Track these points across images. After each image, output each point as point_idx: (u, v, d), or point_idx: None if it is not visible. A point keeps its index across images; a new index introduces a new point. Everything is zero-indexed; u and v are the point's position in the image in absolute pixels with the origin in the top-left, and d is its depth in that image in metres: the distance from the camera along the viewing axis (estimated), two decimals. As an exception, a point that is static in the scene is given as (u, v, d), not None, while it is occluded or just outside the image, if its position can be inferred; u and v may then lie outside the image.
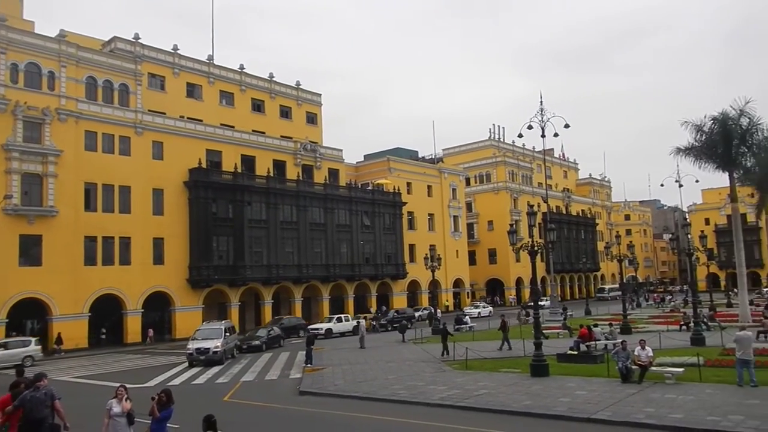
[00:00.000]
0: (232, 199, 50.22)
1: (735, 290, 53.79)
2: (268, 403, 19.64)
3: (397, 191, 65.45)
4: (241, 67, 59.91)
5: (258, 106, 61.28)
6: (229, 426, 16.83)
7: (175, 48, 54.29)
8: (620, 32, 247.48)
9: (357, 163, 72.97)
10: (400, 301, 65.28)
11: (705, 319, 35.81)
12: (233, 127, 54.91)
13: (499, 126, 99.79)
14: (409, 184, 69.46)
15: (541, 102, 49.88)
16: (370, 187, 64.23)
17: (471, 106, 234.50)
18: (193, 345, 31.26)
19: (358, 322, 39.69)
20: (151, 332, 44.65)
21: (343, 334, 45.46)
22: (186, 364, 30.93)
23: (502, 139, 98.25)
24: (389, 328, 47.67)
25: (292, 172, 56.53)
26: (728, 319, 39.99)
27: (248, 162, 53.70)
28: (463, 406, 17.20)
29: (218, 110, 56.94)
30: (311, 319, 55.10)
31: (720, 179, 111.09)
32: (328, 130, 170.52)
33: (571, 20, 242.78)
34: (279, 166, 56.14)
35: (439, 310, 55.02)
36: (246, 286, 51.26)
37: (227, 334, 33.24)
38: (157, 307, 46.89)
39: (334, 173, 61.47)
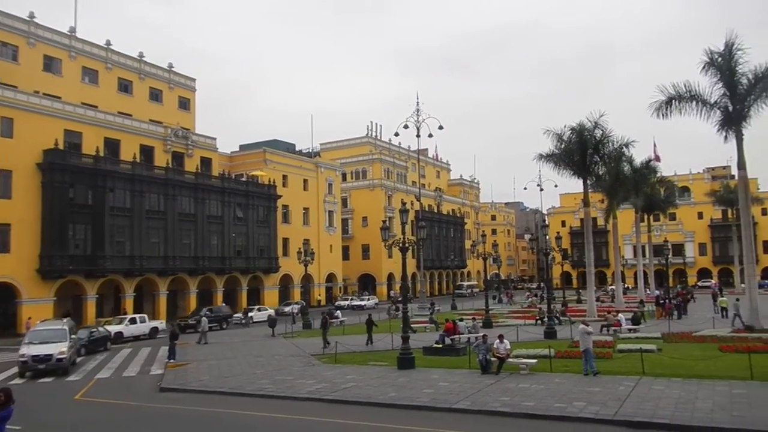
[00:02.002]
0: (92, 185, 46.75)
1: (585, 287, 58.40)
2: (126, 401, 18.56)
3: (272, 184, 64.34)
4: (108, 43, 56.02)
5: (125, 87, 57.61)
6: (82, 426, 15.73)
7: (32, 15, 49.61)
8: (494, 41, 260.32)
9: (231, 153, 70.87)
10: (271, 294, 64.32)
11: (557, 314, 38.53)
12: (96, 107, 51.10)
13: (376, 123, 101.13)
14: (284, 177, 68.55)
15: (418, 103, 51.42)
16: (244, 179, 62.59)
17: (350, 101, 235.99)
18: (28, 351, 24.15)
19: (200, 318, 37.79)
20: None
21: (137, 338, 38.62)
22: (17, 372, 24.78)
23: (379, 137, 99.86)
24: (198, 330, 38.03)
25: (161, 159, 53.68)
26: (578, 314, 43.32)
27: (112, 146, 50.24)
28: (330, 399, 17.28)
29: (80, 88, 52.81)
30: (177, 313, 52.80)
31: (576, 185, 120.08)
32: (202, 117, 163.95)
33: (450, 26, 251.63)
34: (147, 151, 53.07)
35: (336, 307, 54.91)
36: (105, 278, 47.97)
37: (72, 335, 26.89)
38: (0, 299, 42.69)
39: (206, 162, 59.18)
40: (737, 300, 35.02)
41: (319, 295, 71.82)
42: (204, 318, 36.98)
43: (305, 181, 72.13)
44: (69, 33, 52.50)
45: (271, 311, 49.21)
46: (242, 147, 75.90)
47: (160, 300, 52.40)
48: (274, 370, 22.89)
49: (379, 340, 29.43)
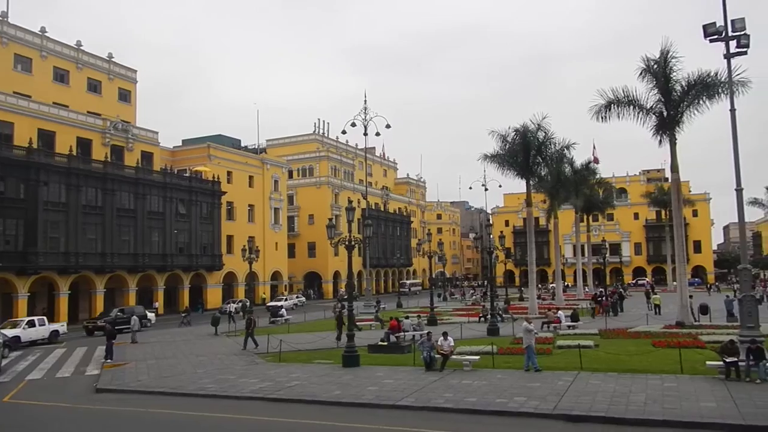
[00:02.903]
0: (24, 178, 44.73)
1: (527, 285, 59.72)
2: (59, 403, 17.87)
3: (216, 180, 63.09)
4: (43, 30, 53.70)
5: (61, 77, 55.37)
6: (9, 429, 15.03)
7: (-41, 0, 47.09)
8: (445, 42, 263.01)
9: (174, 147, 69.12)
10: (214, 293, 63.13)
11: (500, 312, 39.26)
12: (30, 96, 48.90)
13: (324, 121, 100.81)
14: (229, 173, 67.33)
15: (365, 101, 51.40)
16: (187, 174, 61.13)
17: (299, 98, 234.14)
18: None
19: (133, 316, 36.71)
20: None
21: (34, 343, 35.22)
22: None
23: (326, 134, 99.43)
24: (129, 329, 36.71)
25: (100, 153, 51.81)
26: (520, 311, 44.27)
27: (47, 138, 48.17)
28: (273, 398, 17.09)
29: (11, 76, 50.44)
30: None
31: (519, 185, 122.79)
32: (144, 110, 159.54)
33: (402, 24, 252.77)
34: (84, 144, 51.12)
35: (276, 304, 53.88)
36: (38, 275, 45.97)
37: None
38: None
39: (147, 157, 57.51)
40: (691, 297, 36.02)
41: (264, 293, 70.93)
42: (135, 317, 36.06)
43: (251, 177, 71.05)
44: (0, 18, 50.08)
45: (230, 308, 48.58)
46: (185, 142, 74.18)
47: (97, 298, 50.62)
48: (216, 370, 22.48)
49: (324, 338, 29.32)
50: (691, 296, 36.65)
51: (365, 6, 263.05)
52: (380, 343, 25.95)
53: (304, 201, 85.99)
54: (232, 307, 52.12)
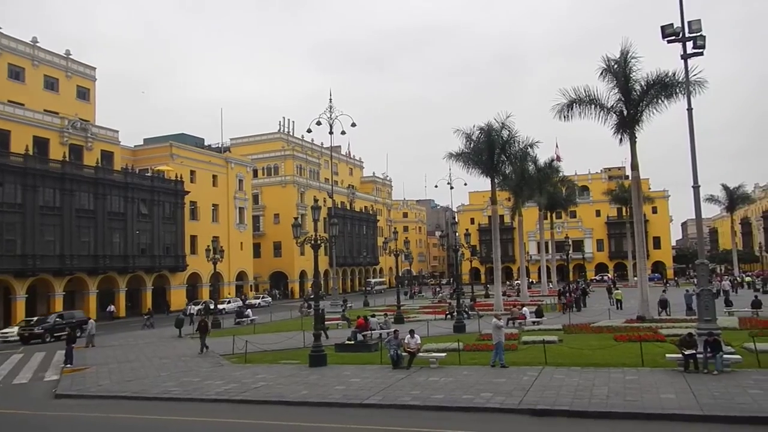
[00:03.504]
0: (-22, 178, 43.34)
1: (493, 282, 60.38)
2: (16, 410, 17.31)
3: (179, 179, 62.07)
4: (-4, 26, 52.03)
5: (16, 74, 53.76)
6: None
7: None
8: (413, 41, 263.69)
9: (135, 146, 67.70)
10: (178, 294, 62.13)
11: (466, 309, 39.58)
12: (-17, 94, 47.41)
13: (289, 119, 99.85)
14: (192, 173, 66.31)
15: (331, 99, 51.18)
16: (149, 174, 60.00)
17: (264, 96, 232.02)
18: None
19: (88, 319, 35.59)
20: None
21: None
22: None
23: (292, 133, 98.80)
24: (48, 339, 37.33)
25: (58, 152, 50.45)
26: (486, 308, 44.73)
27: (1, 137, 46.70)
28: (239, 399, 16.88)
29: (-37, 73, 48.82)
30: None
31: (485, 183, 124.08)
32: (104, 109, 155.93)
33: (369, 23, 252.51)
34: (41, 144, 49.73)
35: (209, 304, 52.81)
36: (-7, 279, 44.59)
37: None
38: None
39: (107, 156, 56.22)
40: (664, 291, 36.35)
41: (229, 293, 70.10)
42: (92, 320, 35.18)
43: (214, 176, 70.11)
44: (-49, 13, 48.38)
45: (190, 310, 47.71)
46: (147, 141, 72.75)
47: (56, 301, 49.29)
48: (180, 372, 22.11)
49: (291, 339, 29.11)
50: (664, 290, 37.54)
51: (332, 3, 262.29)
52: (347, 342, 25.90)
53: (269, 200, 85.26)
54: (194, 309, 51.02)
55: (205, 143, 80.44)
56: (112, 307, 53.59)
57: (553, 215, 74.53)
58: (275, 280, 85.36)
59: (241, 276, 74.16)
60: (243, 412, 15.56)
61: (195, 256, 63.30)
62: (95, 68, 61.22)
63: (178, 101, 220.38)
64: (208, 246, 49.69)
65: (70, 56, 58.37)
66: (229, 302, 59.88)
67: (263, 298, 69.39)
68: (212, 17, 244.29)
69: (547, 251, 72.16)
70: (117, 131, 58.04)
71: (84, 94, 59.89)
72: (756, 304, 34.40)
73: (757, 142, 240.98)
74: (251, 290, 75.45)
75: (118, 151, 58.33)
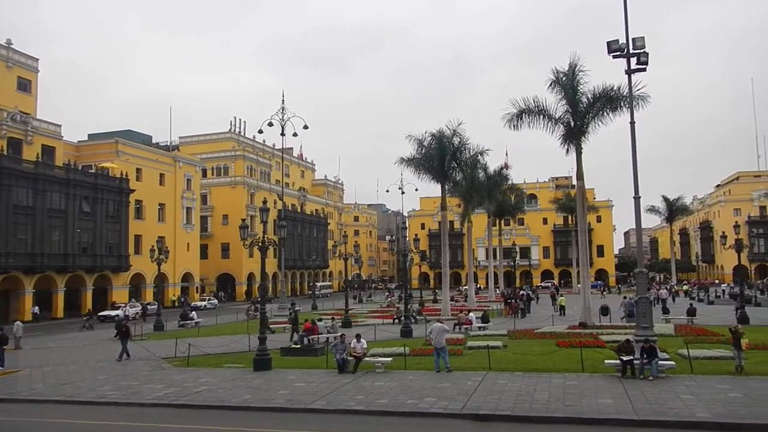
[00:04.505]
0: None
1: (441, 287, 60.92)
2: (-61, 416, 16.41)
3: (125, 177, 60.29)
4: (-69, 11, 49.50)
5: (-48, 62, 51.26)
6: None
7: None
8: (363, 41, 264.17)
9: (79, 142, 65.47)
10: (121, 295, 60.24)
11: (414, 314, 39.78)
12: None
13: (240, 119, 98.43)
14: (139, 171, 64.54)
15: (283, 101, 50.84)
16: (93, 170, 58.06)
17: (213, 95, 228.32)
18: None
19: (17, 322, 33.66)
20: None
21: None
22: None
23: (243, 133, 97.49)
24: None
25: (-6, 145, 48.31)
26: (434, 313, 45.01)
27: (-67, 127, 44.49)
28: (180, 404, 16.47)
29: None
30: (10, 315, 47.67)
31: (435, 189, 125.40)
32: (47, 102, 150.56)
33: (324, 23, 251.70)
34: (-24, 135, 47.53)
35: (127, 308, 49.30)
36: None
37: None
38: None
39: (49, 151, 54.09)
40: (625, 297, 36.66)
41: (174, 295, 68.50)
42: (18, 322, 33.66)
43: (162, 175, 68.43)
44: None
45: (120, 312, 45.96)
46: (92, 136, 70.44)
47: (-12, 301, 47.13)
48: (119, 376, 21.43)
49: (236, 342, 28.64)
50: (625, 297, 38.56)
51: (284, 2, 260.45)
52: (293, 345, 25.65)
53: (218, 201, 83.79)
54: (129, 311, 48.73)
55: (153, 141, 78.42)
56: (36, 309, 50.67)
57: (502, 222, 75.78)
58: (222, 282, 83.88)
59: (186, 277, 72.55)
60: (183, 417, 15.21)
61: (139, 256, 61.56)
62: (38, 59, 58.92)
63: (126, 97, 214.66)
64: (153, 246, 48.56)
65: (11, 46, 56.01)
66: (125, 306, 52.64)
67: (209, 300, 68.08)
68: (161, 13, 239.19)
69: (495, 257, 73.26)
70: (59, 125, 56.00)
71: (25, 85, 57.51)
72: (691, 312, 35.78)
73: (699, 154, 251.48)
74: (197, 292, 73.91)
75: (61, 146, 56.25)
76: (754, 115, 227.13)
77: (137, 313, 48.88)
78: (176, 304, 63.87)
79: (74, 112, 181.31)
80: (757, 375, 17.66)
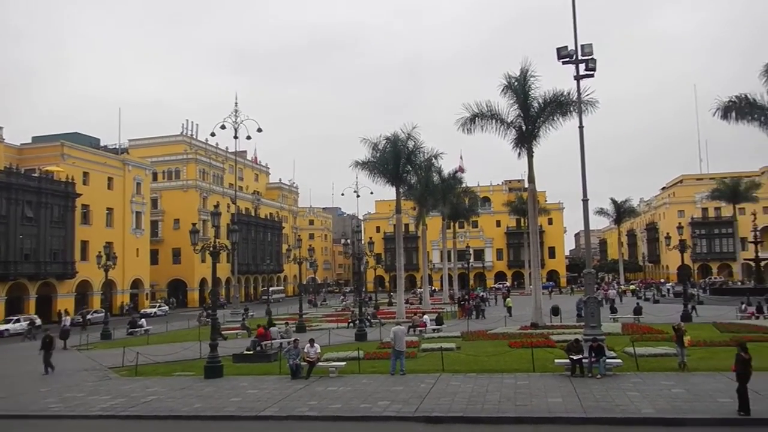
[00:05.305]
0: None
1: (396, 290, 61.06)
2: None
3: (70, 181, 58.37)
4: None
5: None
6: None
7: None
8: (318, 45, 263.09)
9: (22, 145, 63.10)
10: (66, 303, 58.21)
11: (369, 317, 39.76)
12: None
13: (192, 122, 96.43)
14: (86, 174, 62.60)
15: (236, 103, 50.07)
16: (36, 174, 55.99)
17: (165, 98, 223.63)
18: None
19: None
20: None
21: None
22: None
23: (195, 136, 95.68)
24: None
25: (-71, 148, 46.15)
26: (388, 316, 45.13)
27: None
28: (126, 415, 15.96)
29: None
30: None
31: (390, 192, 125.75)
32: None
33: (274, 28, 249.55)
34: None
35: (68, 318, 45.80)
36: None
37: None
38: None
39: (-12, 154, 52.03)
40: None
41: (123, 302, 66.61)
42: None
43: (110, 179, 66.55)
44: None
45: (66, 321, 43.94)
46: (35, 139, 68.00)
47: None
48: (63, 387, 20.64)
49: (187, 349, 28.03)
50: (549, 297, 39.27)
51: (238, 6, 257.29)
52: (246, 352, 25.26)
53: (169, 205, 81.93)
54: (66, 320, 46.12)
55: (102, 144, 76.24)
56: None
57: (456, 225, 76.52)
58: (173, 288, 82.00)
59: (136, 284, 70.69)
60: (130, 429, 14.84)
61: (86, 263, 59.64)
62: (-24, 58, 56.63)
63: (73, 100, 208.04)
64: (100, 252, 47.07)
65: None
66: (18, 321, 47.31)
67: (159, 306, 66.47)
68: (110, 13, 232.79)
69: (449, 260, 73.95)
70: (0, 128, 53.86)
71: (-38, 85, 55.19)
72: (637, 311, 36.88)
73: (647, 158, 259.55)
74: (147, 299, 72.09)
75: (1, 149, 54.16)
76: (696, 121, 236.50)
77: (64, 324, 44.46)
78: (124, 311, 62.09)
79: (15, 115, 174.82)
80: (699, 371, 18.29)
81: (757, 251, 63.79)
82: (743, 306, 37.12)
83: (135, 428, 14.86)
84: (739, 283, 70.45)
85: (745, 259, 76.41)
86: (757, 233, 67.47)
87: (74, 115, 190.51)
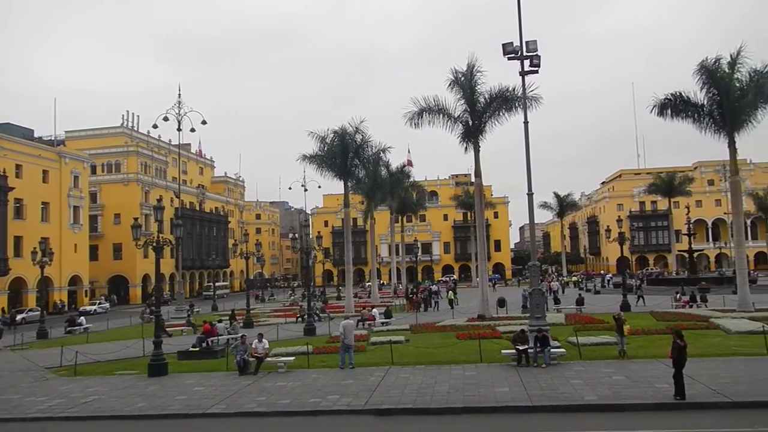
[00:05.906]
0: None
1: (345, 285, 61.01)
2: None
3: (2, 174, 55.70)
4: None
5: None
6: None
7: None
8: (264, 37, 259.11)
9: (-52, 135, 59.90)
10: (-1, 302, 55.74)
11: (317, 311, 39.55)
12: None
13: (133, 114, 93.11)
14: (19, 167, 59.86)
15: (180, 95, 48.78)
16: (-35, 167, 53.25)
17: (105, 89, 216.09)
18: None
19: None
20: None
21: None
22: None
23: (136, 128, 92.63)
24: None
25: None
26: (337, 310, 45.02)
27: None
28: (65, 416, 15.36)
29: None
30: None
31: (338, 186, 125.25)
32: None
33: (219, 18, 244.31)
34: None
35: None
36: None
37: None
38: None
39: None
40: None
41: (61, 300, 64.17)
42: None
43: (45, 172, 63.86)
44: None
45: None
46: (-37, 129, 64.58)
47: None
48: (-4, 389, 19.74)
49: (129, 347, 27.22)
50: (494, 290, 39.95)
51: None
52: (191, 348, 24.72)
53: (109, 199, 79.24)
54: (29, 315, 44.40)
55: (36, 135, 73.06)
56: None
57: (404, 219, 77.01)
58: (115, 284, 79.47)
59: (75, 280, 68.17)
60: (70, 430, 14.27)
61: (20, 259, 57.10)
62: None
63: (3, 89, 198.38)
64: (35, 248, 45.15)
65: None
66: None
67: (100, 304, 64.33)
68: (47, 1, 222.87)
69: (397, 254, 74.36)
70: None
71: None
72: (580, 302, 37.92)
73: (588, 153, 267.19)
74: (86, 296, 69.64)
75: (-75, 140, 51.16)
76: (634, 117, 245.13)
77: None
78: (60, 309, 59.82)
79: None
80: (638, 358, 18.98)
81: (690, 243, 66.69)
82: (678, 296, 38.60)
83: (75, 430, 14.37)
84: (674, 274, 73.36)
85: (679, 251, 79.60)
86: (691, 226, 70.56)
87: (5, 106, 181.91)
